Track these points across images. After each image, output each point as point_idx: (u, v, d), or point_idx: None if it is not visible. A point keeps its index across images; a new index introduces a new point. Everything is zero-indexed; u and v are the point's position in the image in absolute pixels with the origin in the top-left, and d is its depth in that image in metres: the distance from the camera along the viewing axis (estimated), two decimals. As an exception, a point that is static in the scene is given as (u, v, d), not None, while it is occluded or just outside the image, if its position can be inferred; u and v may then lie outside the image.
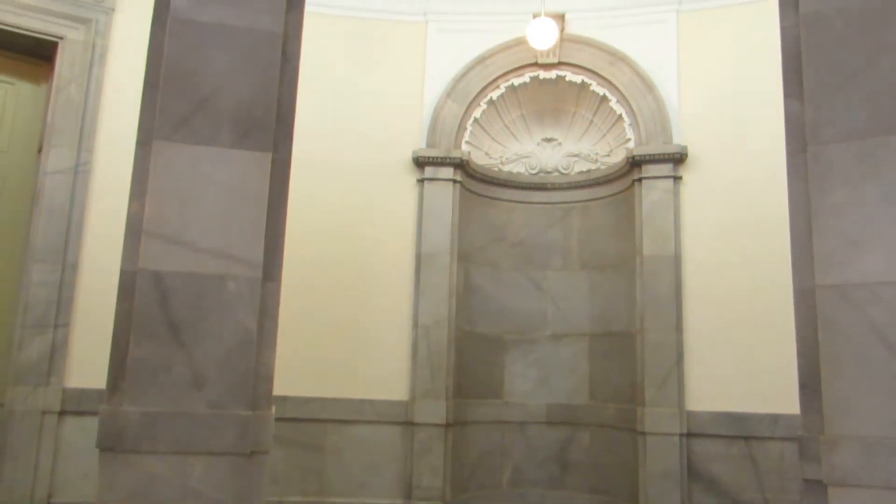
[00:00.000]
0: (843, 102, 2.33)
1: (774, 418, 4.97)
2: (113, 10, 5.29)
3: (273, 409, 2.56)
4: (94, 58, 5.22)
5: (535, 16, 5.52)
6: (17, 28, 5.05)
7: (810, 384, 2.31)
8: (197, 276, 2.46)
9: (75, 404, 4.84)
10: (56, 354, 4.85)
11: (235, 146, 2.62)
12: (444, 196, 5.74)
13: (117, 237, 2.75)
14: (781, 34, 2.59)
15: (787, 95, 2.54)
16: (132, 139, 2.80)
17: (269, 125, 2.71)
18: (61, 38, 5.17)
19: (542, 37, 5.38)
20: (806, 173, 2.37)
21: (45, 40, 5.16)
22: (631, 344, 5.52)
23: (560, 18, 5.69)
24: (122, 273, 2.48)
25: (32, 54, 5.29)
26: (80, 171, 5.07)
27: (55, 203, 5.00)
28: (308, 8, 3.38)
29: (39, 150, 5.16)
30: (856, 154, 2.27)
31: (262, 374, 2.50)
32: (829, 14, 2.40)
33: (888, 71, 2.30)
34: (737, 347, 5.16)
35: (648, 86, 5.63)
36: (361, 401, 5.45)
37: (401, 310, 5.62)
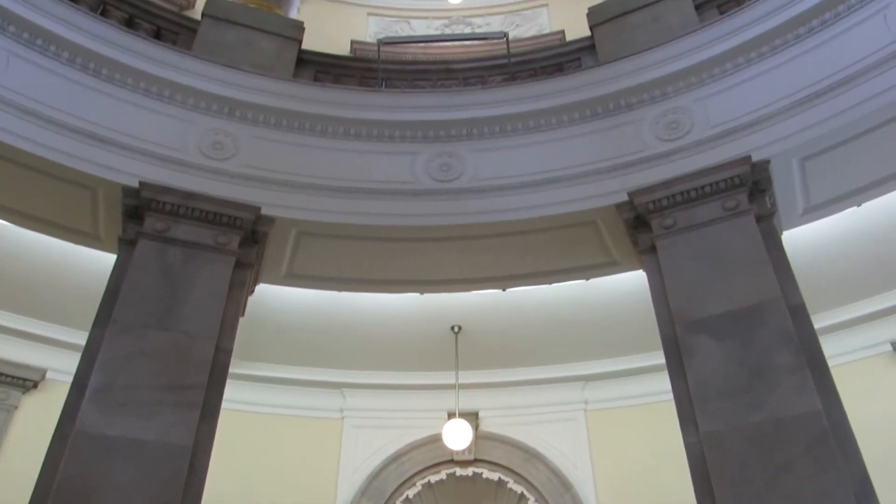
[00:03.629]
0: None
1: None
2: (16, 407, 5.11)
3: None
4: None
5: (449, 414, 5.65)
6: None
7: None
8: None
9: None
10: None
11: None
12: None
13: None
14: (686, 450, 2.68)
15: (702, 511, 2.55)
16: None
17: (163, 549, 2.47)
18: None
19: (458, 437, 5.42)
20: None
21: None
22: None
23: (474, 416, 5.84)
24: None
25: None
26: None
27: None
28: (225, 405, 3.34)
29: None
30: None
31: None
32: (726, 433, 2.54)
33: (792, 487, 2.36)
34: None
35: (566, 485, 5.60)
36: None
37: None
